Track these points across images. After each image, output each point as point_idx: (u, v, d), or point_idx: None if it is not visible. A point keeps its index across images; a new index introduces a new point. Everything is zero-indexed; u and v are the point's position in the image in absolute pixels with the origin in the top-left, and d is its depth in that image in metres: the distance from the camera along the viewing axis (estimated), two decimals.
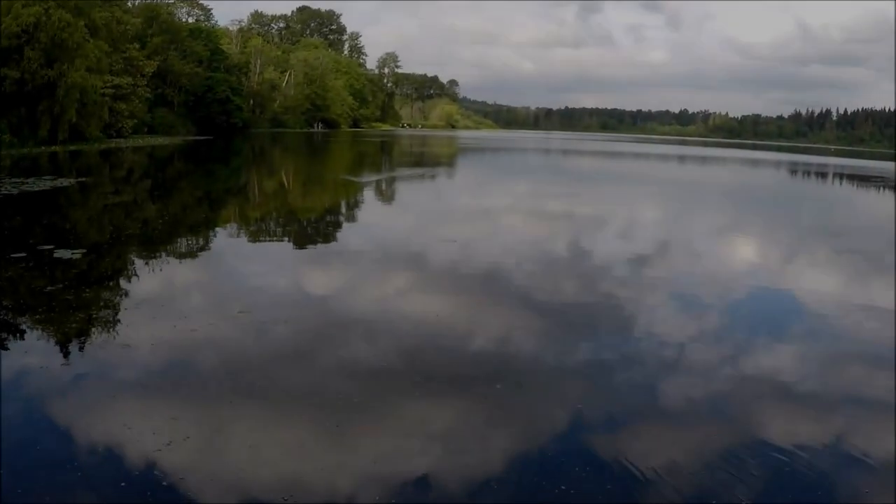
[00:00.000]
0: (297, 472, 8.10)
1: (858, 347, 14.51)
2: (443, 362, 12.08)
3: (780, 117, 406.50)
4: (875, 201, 55.96)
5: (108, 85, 75.14)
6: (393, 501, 7.60)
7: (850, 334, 15.66)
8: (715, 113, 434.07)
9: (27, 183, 34.93)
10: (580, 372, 12.06)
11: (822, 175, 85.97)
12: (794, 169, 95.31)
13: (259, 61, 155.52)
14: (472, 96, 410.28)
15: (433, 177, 56.29)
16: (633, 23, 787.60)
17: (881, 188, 68.74)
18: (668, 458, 8.93)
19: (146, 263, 19.64)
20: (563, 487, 8.01)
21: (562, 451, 8.95)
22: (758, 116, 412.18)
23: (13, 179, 36.41)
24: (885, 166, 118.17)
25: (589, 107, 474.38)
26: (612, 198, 45.19)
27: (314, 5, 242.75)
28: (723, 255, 25.51)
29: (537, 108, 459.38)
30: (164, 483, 7.66)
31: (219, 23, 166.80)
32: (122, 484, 7.66)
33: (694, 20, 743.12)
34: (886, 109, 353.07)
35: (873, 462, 9.15)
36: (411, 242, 24.11)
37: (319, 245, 23.89)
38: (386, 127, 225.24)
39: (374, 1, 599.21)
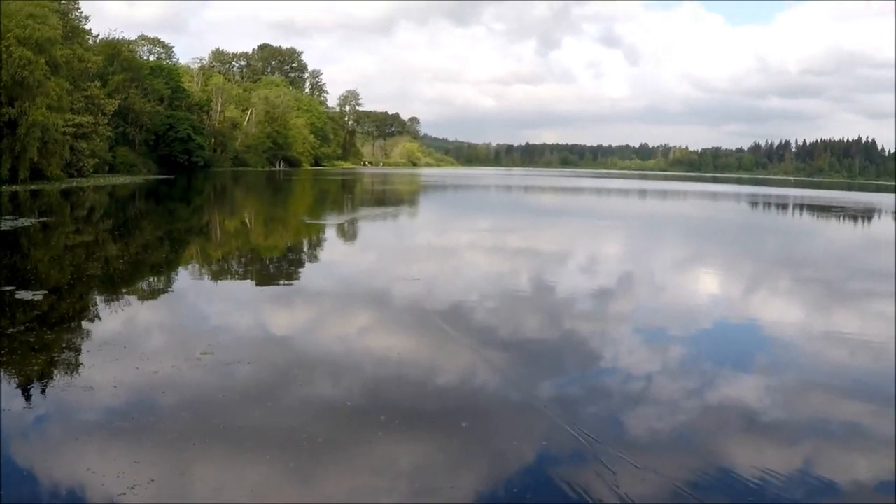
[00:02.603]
0: None
1: (821, 377, 14.60)
2: (407, 400, 12.09)
3: (740, 150, 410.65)
4: (834, 231, 56.29)
5: (69, 123, 75.13)
6: None
7: (812, 363, 15.79)
8: (675, 146, 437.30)
9: None
10: (544, 407, 12.08)
11: (782, 206, 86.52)
12: (754, 201, 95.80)
13: (220, 99, 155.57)
14: (433, 133, 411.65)
15: (396, 215, 56.32)
16: (592, 59, 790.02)
17: (841, 218, 69.21)
18: (638, 490, 8.98)
19: (108, 304, 19.59)
20: None
21: (527, 487, 8.97)
22: (717, 149, 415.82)
23: None
24: (843, 196, 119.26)
25: (549, 142, 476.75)
26: (572, 233, 45.32)
27: (275, 43, 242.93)
28: (684, 287, 25.62)
29: (498, 145, 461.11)
30: None
31: (180, 60, 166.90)
32: None
33: (652, 55, 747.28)
34: (844, 139, 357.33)
35: (840, 489, 9.25)
36: (375, 281, 24.09)
37: (282, 285, 23.85)
38: (347, 165, 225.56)
39: (334, 35, 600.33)
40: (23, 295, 18.86)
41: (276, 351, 15.16)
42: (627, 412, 11.90)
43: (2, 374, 12.81)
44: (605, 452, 10.21)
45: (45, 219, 41.15)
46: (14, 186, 62.32)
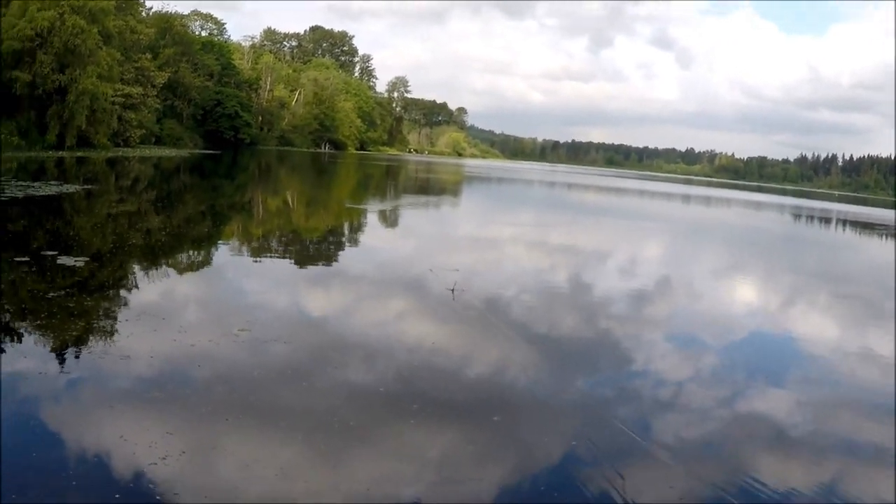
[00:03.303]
0: (289, 493, 8.10)
1: (853, 396, 14.46)
2: (440, 390, 12.06)
3: (787, 160, 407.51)
4: (877, 249, 55.89)
5: (118, 93, 75.42)
6: None
7: (845, 381, 15.63)
8: (721, 153, 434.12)
9: (33, 187, 35.05)
10: (576, 407, 12.05)
11: (825, 220, 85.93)
12: (797, 213, 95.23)
13: (269, 78, 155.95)
14: (479, 125, 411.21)
15: (438, 205, 56.29)
16: (643, 59, 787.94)
17: (884, 236, 68.68)
18: (660, 496, 8.94)
19: (148, 275, 19.71)
20: None
21: (554, 486, 8.94)
22: (763, 158, 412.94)
23: (19, 182, 36.54)
24: (887, 214, 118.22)
25: (596, 141, 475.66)
26: (613, 233, 45.14)
27: (327, 25, 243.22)
28: (722, 295, 25.49)
29: (544, 140, 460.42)
30: (158, 497, 7.66)
31: (231, 38, 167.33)
32: (116, 495, 7.65)
33: (704, 59, 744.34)
34: (891, 157, 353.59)
35: None
36: (413, 269, 24.06)
37: (322, 266, 23.87)
38: (393, 151, 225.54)
39: (387, 21, 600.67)
40: (64, 260, 18.96)
41: (312, 332, 15.21)
42: (657, 417, 11.83)
43: (41, 336, 12.89)
44: (632, 456, 10.17)
45: (89, 186, 41.46)
46: (60, 152, 62.74)
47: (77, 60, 65.21)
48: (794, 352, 18.18)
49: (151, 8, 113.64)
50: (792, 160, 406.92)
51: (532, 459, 9.76)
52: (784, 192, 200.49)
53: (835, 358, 17.73)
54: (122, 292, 17.34)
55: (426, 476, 8.97)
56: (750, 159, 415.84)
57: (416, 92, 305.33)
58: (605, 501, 8.66)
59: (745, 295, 25.83)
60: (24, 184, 36.23)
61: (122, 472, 8.14)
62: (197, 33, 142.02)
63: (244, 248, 27.08)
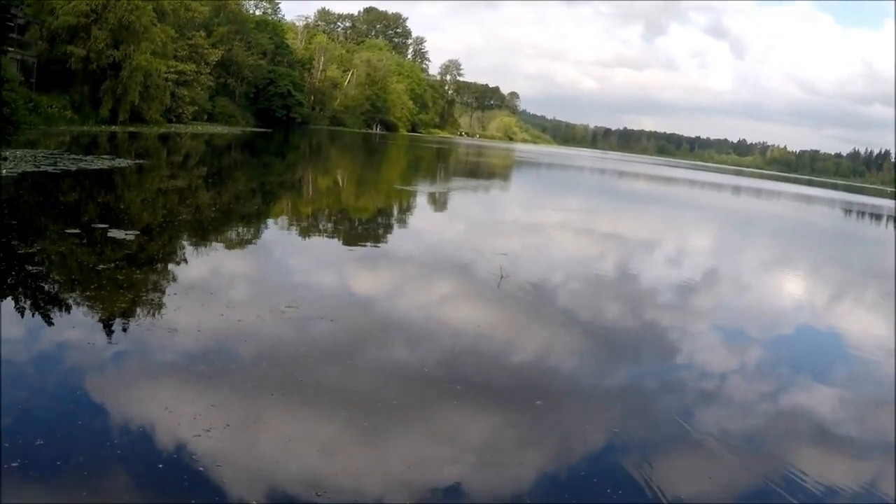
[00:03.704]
0: (330, 470, 8.13)
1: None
2: (483, 373, 12.05)
3: (839, 155, 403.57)
4: None
5: (171, 70, 76.02)
6: None
7: (891, 380, 15.46)
8: (773, 145, 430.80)
9: (85, 160, 35.32)
10: (619, 395, 12.02)
11: (876, 217, 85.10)
12: (848, 208, 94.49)
13: (323, 58, 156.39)
14: (531, 109, 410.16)
15: (488, 188, 56.22)
16: (697, 48, 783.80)
17: None
18: (699, 488, 8.92)
19: (197, 250, 19.83)
20: None
21: (594, 472, 8.93)
22: (816, 152, 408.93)
23: (72, 155, 36.84)
24: None
25: (647, 129, 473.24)
26: (662, 222, 44.93)
27: (381, 6, 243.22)
28: (769, 288, 25.32)
29: (596, 127, 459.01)
30: (201, 468, 7.71)
31: (285, 17, 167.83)
32: (160, 465, 7.72)
33: (758, 50, 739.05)
34: None
35: None
36: (461, 252, 24.07)
37: (370, 247, 23.90)
38: (444, 134, 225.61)
39: (441, 4, 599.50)
40: (115, 233, 19.12)
41: (358, 311, 15.24)
42: (699, 409, 11.76)
43: (89, 308, 13.00)
44: (673, 446, 10.15)
45: (141, 161, 41.76)
46: (113, 127, 63.27)
47: (131, 37, 65.65)
48: (840, 348, 18.03)
49: None
50: (844, 155, 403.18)
51: (573, 445, 9.74)
52: (835, 187, 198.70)
53: (881, 356, 17.56)
54: (171, 266, 17.48)
55: (466, 458, 8.98)
56: (802, 152, 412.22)
57: (469, 75, 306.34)
58: (644, 490, 8.64)
59: (792, 289, 25.66)
60: (76, 157, 36.54)
61: (166, 443, 8.21)
62: (251, 12, 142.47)
63: (293, 226, 27.21)
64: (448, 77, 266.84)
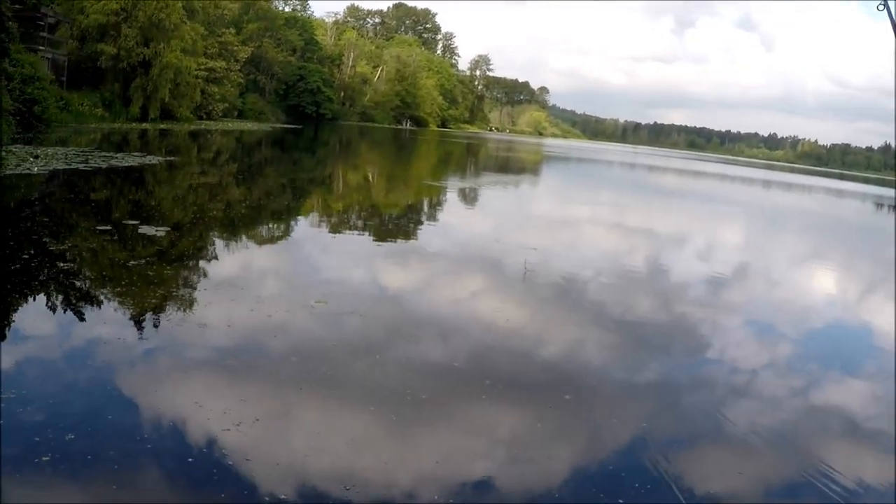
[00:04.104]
0: (359, 464, 8.15)
1: None
2: (512, 368, 12.07)
3: (870, 148, 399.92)
4: None
5: (201, 67, 76.43)
6: (451, 501, 7.62)
7: None
8: (804, 139, 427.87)
9: (116, 157, 35.51)
10: (648, 390, 12.00)
11: None
12: (879, 202, 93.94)
13: (352, 54, 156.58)
14: (561, 104, 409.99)
15: (517, 184, 56.15)
16: (727, 42, 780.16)
17: None
18: (729, 483, 8.90)
19: (227, 246, 19.92)
20: (620, 502, 7.99)
21: (623, 467, 8.91)
22: (847, 146, 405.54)
23: (102, 153, 37.04)
24: None
25: (678, 123, 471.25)
26: (692, 217, 44.85)
27: (410, 3, 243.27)
28: (799, 283, 25.21)
29: (625, 121, 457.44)
30: (230, 462, 7.75)
31: (315, 14, 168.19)
32: (189, 459, 7.76)
33: (788, 43, 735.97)
34: None
35: None
36: (491, 247, 24.01)
37: (399, 242, 23.90)
38: (474, 129, 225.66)
39: (470, 1, 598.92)
40: (146, 230, 19.21)
41: (387, 306, 15.26)
42: (729, 404, 11.72)
43: (120, 303, 13.07)
44: (702, 440, 10.14)
45: (171, 158, 41.92)
46: (144, 124, 63.64)
47: (161, 34, 65.99)
48: (871, 344, 17.96)
49: None
50: (875, 148, 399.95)
51: (601, 440, 9.73)
52: (866, 181, 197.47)
53: None
54: (202, 262, 17.58)
55: (496, 453, 8.98)
56: (833, 146, 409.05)
57: (498, 70, 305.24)
58: (672, 484, 8.63)
59: (823, 284, 25.54)
60: (107, 154, 36.73)
61: (196, 437, 8.25)
62: (280, 9, 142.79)
63: (323, 222, 27.29)
64: (478, 72, 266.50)
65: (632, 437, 9.84)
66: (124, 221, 20.49)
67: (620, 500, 8.02)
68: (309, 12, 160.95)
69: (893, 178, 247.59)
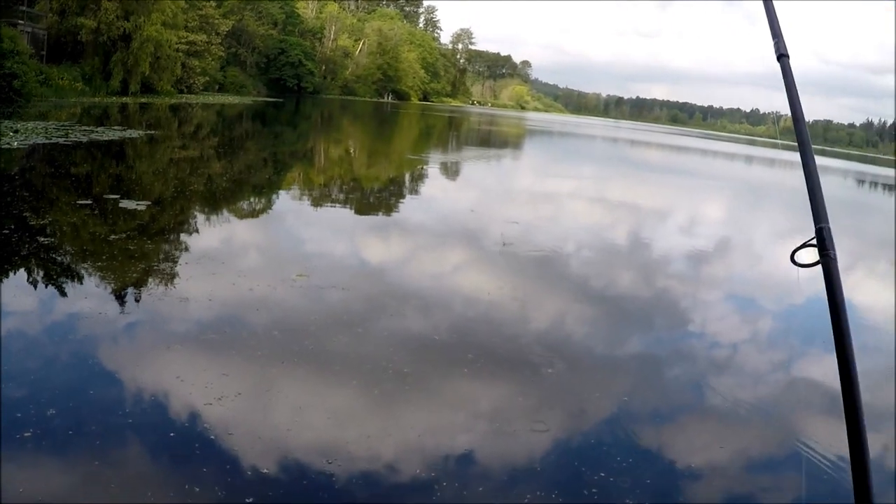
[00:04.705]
0: (341, 438, 8.16)
1: None
2: (494, 341, 12.06)
3: (852, 125, 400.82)
4: None
5: (182, 41, 76.33)
6: (433, 474, 7.64)
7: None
8: (786, 115, 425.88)
9: (96, 132, 35.45)
10: (630, 363, 12.04)
11: (889, 187, 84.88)
12: (861, 179, 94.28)
13: (334, 28, 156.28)
14: (543, 78, 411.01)
15: (499, 157, 56.19)
16: (710, 16, 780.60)
17: None
18: (710, 456, 8.94)
19: (208, 220, 19.91)
20: (602, 475, 8.01)
21: (605, 440, 8.94)
22: (829, 122, 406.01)
23: (83, 127, 37.02)
24: None
25: (660, 98, 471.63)
26: (674, 191, 45.00)
27: None
28: (780, 259, 25.27)
29: (608, 96, 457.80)
30: (212, 436, 7.74)
31: None
32: (171, 434, 7.75)
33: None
34: None
35: None
36: (472, 221, 24.02)
37: (380, 216, 23.93)
38: (456, 103, 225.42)
39: None
40: (126, 204, 19.15)
41: (369, 279, 15.25)
42: (710, 378, 11.76)
43: (101, 278, 13.06)
44: (683, 414, 10.19)
45: (152, 132, 41.83)
46: (124, 98, 63.50)
47: (141, 8, 65.76)
48: (852, 319, 18.01)
49: None
50: (857, 125, 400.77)
51: (584, 413, 9.75)
52: (848, 157, 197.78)
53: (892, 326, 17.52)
54: (183, 236, 17.52)
55: (478, 426, 8.99)
56: (815, 122, 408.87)
57: (481, 44, 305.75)
58: (655, 457, 8.67)
59: (803, 260, 25.58)
60: (87, 128, 36.66)
61: (178, 411, 8.24)
62: None
63: (304, 196, 27.27)
64: (460, 46, 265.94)
65: (614, 411, 9.87)
66: (105, 196, 20.43)
67: (601, 473, 8.05)
68: None
69: (873, 155, 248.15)
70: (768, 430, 10.00)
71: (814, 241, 2.98)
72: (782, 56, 3.36)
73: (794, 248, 2.88)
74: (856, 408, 2.73)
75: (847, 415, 2.66)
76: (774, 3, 3.38)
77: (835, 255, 2.86)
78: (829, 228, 2.92)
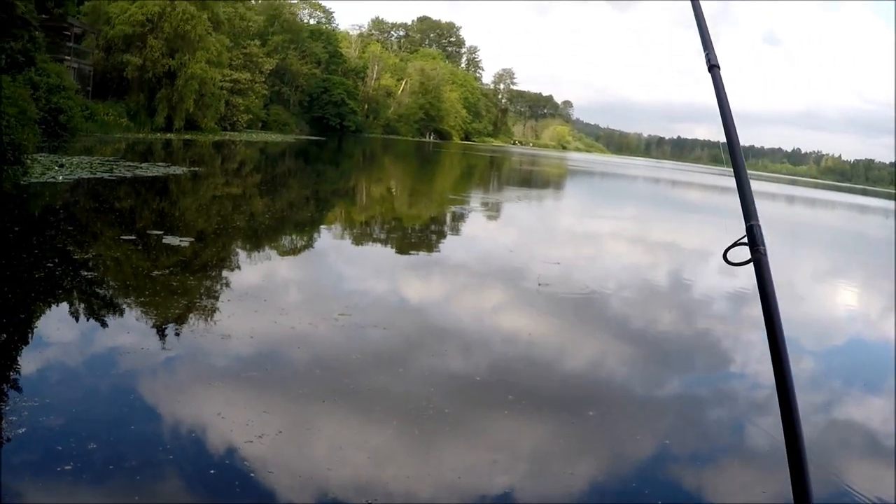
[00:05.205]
0: (380, 478, 8.12)
1: None
2: (535, 382, 12.01)
3: (893, 164, 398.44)
4: None
5: (226, 79, 76.93)
6: None
7: None
8: (827, 154, 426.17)
9: (140, 167, 35.71)
10: (670, 406, 11.95)
11: None
12: None
13: (376, 67, 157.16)
14: (584, 118, 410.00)
15: (541, 198, 56.12)
16: (750, 55, 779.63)
17: None
18: (752, 498, 8.85)
19: (251, 257, 19.96)
20: None
21: (645, 483, 8.86)
22: (871, 161, 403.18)
23: (127, 162, 37.32)
24: None
25: (701, 138, 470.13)
26: (716, 232, 44.78)
27: (434, 16, 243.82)
28: (819, 299, 25.10)
29: (649, 136, 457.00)
30: (252, 474, 7.73)
31: (339, 26, 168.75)
32: (211, 471, 7.74)
33: (812, 58, 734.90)
34: None
35: None
36: (513, 261, 23.97)
37: (422, 255, 23.89)
38: (497, 143, 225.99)
39: (493, 11, 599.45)
40: (169, 240, 19.25)
41: (410, 319, 15.24)
42: (751, 419, 11.67)
43: (143, 313, 13.10)
44: (725, 457, 10.09)
45: (195, 168, 42.10)
46: (168, 135, 64.08)
47: (186, 46, 66.44)
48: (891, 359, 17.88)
49: None
50: None
51: (625, 456, 9.68)
52: (890, 196, 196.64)
53: None
54: (225, 273, 17.59)
55: (518, 468, 8.93)
56: (857, 161, 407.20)
57: (522, 84, 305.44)
58: (695, 501, 8.60)
59: (845, 301, 25.44)
60: (132, 164, 36.95)
61: (218, 448, 8.24)
62: (305, 21, 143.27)
63: (346, 234, 27.32)
64: (501, 86, 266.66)
65: (654, 454, 9.79)
66: (148, 231, 20.56)
67: None
68: (333, 25, 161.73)
69: None
70: (812, 475, 9.87)
71: (745, 240, 3.08)
72: (713, 67, 3.48)
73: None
74: (789, 396, 3.00)
75: (780, 401, 2.94)
76: (704, 12, 3.48)
77: (765, 250, 3.00)
78: (759, 226, 3.06)
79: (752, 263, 2.92)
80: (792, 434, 2.62)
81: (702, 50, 3.48)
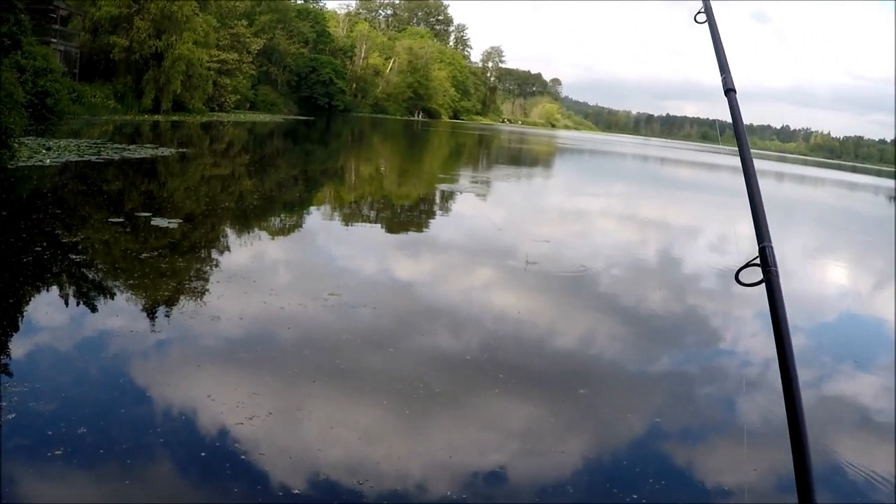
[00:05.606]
0: (371, 457, 8.13)
1: None
2: (525, 360, 12.02)
3: (883, 141, 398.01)
4: None
5: (214, 59, 76.67)
6: (464, 495, 7.60)
7: None
8: (816, 132, 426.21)
9: (128, 149, 35.61)
10: (661, 383, 11.96)
11: None
12: (891, 196, 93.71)
13: (364, 46, 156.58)
14: (573, 96, 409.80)
15: (530, 176, 56.08)
16: (740, 32, 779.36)
17: None
18: (743, 476, 8.86)
19: (240, 238, 19.95)
20: (634, 497, 7.95)
21: (637, 460, 8.88)
22: (860, 139, 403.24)
23: (115, 145, 37.17)
24: None
25: (690, 115, 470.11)
26: (704, 208, 44.81)
27: None
28: (811, 277, 25.12)
29: (638, 113, 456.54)
30: (243, 456, 7.73)
31: (327, 6, 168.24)
32: (202, 453, 7.74)
33: (801, 34, 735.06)
34: None
35: None
36: (503, 240, 23.95)
37: (411, 234, 23.91)
38: (486, 121, 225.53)
39: None
40: (158, 222, 19.24)
41: (400, 298, 15.24)
42: (741, 396, 11.68)
43: (133, 295, 13.08)
44: (715, 434, 10.11)
45: (183, 149, 41.99)
46: (156, 116, 63.84)
47: (173, 27, 66.20)
48: (885, 336, 17.90)
49: None
50: (889, 141, 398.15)
51: (615, 434, 9.70)
52: (879, 174, 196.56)
53: None
54: (214, 254, 17.58)
55: (509, 446, 8.95)
56: (846, 139, 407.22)
57: (511, 62, 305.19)
58: (687, 478, 8.62)
59: (835, 278, 25.48)
60: (119, 146, 36.83)
61: (209, 430, 8.24)
62: (293, 1, 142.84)
63: (335, 214, 27.31)
64: (490, 64, 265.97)
65: (645, 431, 9.81)
66: (136, 213, 20.52)
67: (634, 495, 7.99)
68: (321, 4, 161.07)
69: None
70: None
71: (757, 261, 3.22)
72: (729, 91, 3.66)
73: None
74: (797, 414, 2.96)
75: (789, 420, 2.95)
76: (722, 40, 3.53)
77: (777, 271, 3.12)
78: (771, 247, 3.20)
79: (763, 284, 2.95)
80: (799, 446, 2.63)
81: (719, 74, 3.70)
